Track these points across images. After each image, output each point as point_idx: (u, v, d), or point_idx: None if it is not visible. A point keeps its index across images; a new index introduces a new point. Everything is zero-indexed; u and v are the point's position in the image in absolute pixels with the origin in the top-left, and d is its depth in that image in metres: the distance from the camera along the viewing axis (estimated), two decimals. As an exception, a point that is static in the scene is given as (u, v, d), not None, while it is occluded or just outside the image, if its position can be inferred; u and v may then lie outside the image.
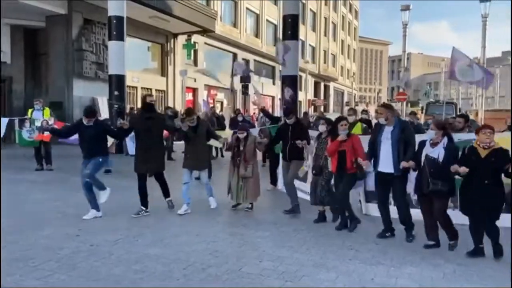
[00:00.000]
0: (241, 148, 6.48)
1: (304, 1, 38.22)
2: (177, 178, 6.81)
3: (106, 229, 5.42)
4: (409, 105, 35.41)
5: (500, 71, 52.49)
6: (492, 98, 52.04)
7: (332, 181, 5.71)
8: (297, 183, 6.79)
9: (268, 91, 33.39)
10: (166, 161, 6.78)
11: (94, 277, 3.90)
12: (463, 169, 4.44)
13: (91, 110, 6.08)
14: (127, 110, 14.41)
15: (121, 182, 8.00)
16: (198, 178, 7.09)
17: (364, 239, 5.17)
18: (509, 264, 4.29)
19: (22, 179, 8.86)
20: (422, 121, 16.71)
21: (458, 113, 19.46)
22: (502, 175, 4.49)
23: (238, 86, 27.59)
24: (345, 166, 5.39)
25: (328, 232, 5.48)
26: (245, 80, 27.43)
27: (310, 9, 42.14)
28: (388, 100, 74.17)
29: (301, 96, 32.80)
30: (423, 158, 4.82)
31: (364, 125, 7.68)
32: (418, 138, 5.20)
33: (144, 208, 6.20)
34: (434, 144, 4.79)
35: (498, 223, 4.55)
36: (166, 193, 6.61)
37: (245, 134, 6.57)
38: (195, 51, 24.47)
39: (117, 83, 13.81)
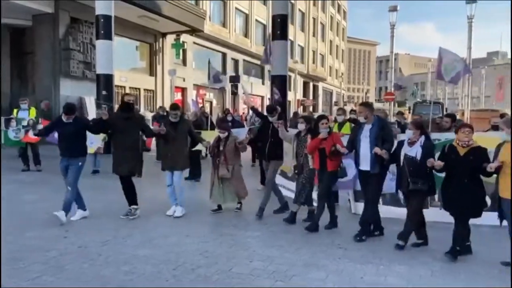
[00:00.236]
0: (221, 148, 6.34)
1: (293, 1, 38.31)
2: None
3: (94, 230, 5.37)
4: (396, 105, 35.75)
5: (485, 72, 53.23)
6: (477, 98, 52.72)
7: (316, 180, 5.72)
8: (284, 182, 6.79)
9: (257, 91, 33.46)
10: (155, 161, 6.66)
11: (82, 279, 3.87)
12: (438, 163, 4.51)
13: (70, 107, 5.87)
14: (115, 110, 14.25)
15: (109, 182, 7.88)
16: (187, 178, 7.02)
17: (354, 238, 5.19)
18: (495, 263, 4.36)
19: (10, 180, 8.71)
20: (409, 121, 16.85)
21: (444, 112, 19.73)
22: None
23: (227, 86, 27.52)
24: (326, 164, 5.44)
25: (318, 232, 5.49)
26: (234, 80, 27.45)
27: (299, 9, 42.29)
28: (376, 100, 74.85)
29: (290, 96, 32.85)
30: (402, 158, 4.87)
31: (353, 125, 7.72)
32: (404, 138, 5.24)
33: (135, 207, 6.03)
34: (411, 143, 4.85)
35: (485, 221, 4.60)
36: (129, 199, 6.07)
37: (226, 134, 6.42)
38: (184, 51, 24.35)
39: (105, 82, 13.64)
